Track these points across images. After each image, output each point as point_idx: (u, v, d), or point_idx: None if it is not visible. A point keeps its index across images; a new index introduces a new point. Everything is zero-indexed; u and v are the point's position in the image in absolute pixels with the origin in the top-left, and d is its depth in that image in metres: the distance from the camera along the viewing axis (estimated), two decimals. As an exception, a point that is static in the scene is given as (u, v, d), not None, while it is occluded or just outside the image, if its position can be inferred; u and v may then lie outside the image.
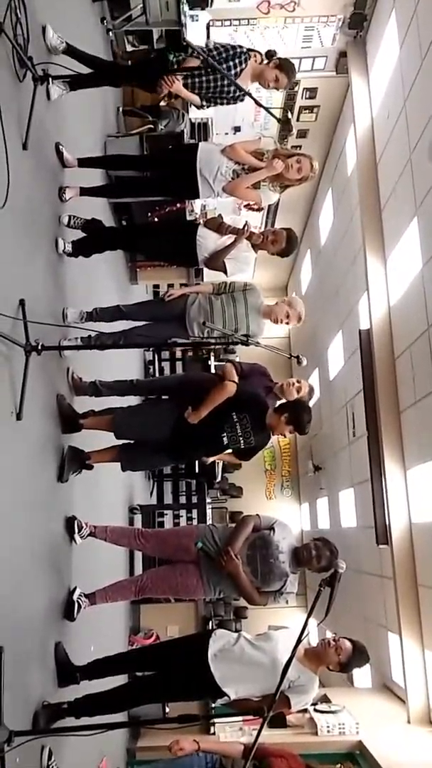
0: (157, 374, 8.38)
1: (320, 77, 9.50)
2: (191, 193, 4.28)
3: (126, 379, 4.27)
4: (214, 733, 5.83)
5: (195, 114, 6.65)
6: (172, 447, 3.80)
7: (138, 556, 6.12)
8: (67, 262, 3.90)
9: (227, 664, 3.22)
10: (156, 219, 6.46)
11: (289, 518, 10.76)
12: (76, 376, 3.89)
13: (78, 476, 3.68)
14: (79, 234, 3.98)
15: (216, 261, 4.15)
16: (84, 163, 4.10)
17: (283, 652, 3.12)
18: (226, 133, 9.80)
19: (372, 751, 5.66)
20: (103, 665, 3.42)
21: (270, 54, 3.94)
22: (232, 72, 3.88)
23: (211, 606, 8.26)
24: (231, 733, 5.84)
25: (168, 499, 9.23)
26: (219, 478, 8.69)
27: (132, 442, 3.88)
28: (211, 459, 4.89)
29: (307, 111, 10.19)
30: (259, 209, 4.36)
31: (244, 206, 4.52)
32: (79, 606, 3.50)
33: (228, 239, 4.15)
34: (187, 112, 6.47)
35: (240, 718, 5.24)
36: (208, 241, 4.15)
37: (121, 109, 6.44)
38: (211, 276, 4.54)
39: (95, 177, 4.50)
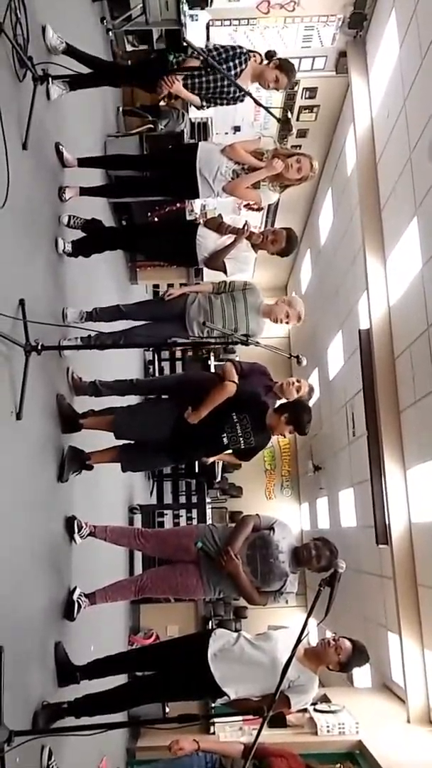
0: (156, 374, 8.38)
1: (320, 77, 9.50)
2: (191, 193, 4.28)
3: (126, 378, 4.27)
4: (214, 733, 5.83)
5: (195, 114, 6.65)
6: (172, 447, 3.80)
7: (138, 556, 6.12)
8: (67, 262, 3.90)
9: (227, 663, 3.22)
10: (156, 219, 6.46)
11: (289, 518, 10.76)
12: (76, 375, 3.89)
13: (78, 476, 3.68)
14: (79, 234, 3.98)
15: (216, 261, 4.15)
16: (84, 162, 4.10)
17: (282, 652, 3.12)
18: (226, 133, 9.80)
19: (372, 751, 5.66)
20: (103, 665, 3.42)
21: (270, 54, 3.94)
22: (232, 72, 3.88)
23: (211, 606, 8.27)
24: (231, 733, 5.84)
25: (168, 499, 9.23)
26: (219, 478, 8.69)
27: (132, 442, 3.88)
28: (211, 459, 4.89)
29: (307, 111, 10.19)
30: (259, 209, 4.37)
31: (244, 206, 4.53)
32: (79, 606, 3.51)
33: (228, 239, 4.15)
34: (187, 112, 6.47)
35: (240, 717, 5.24)
36: (207, 240, 4.15)
37: (120, 108, 6.44)
38: (210, 276, 4.55)
39: (95, 177, 4.51)
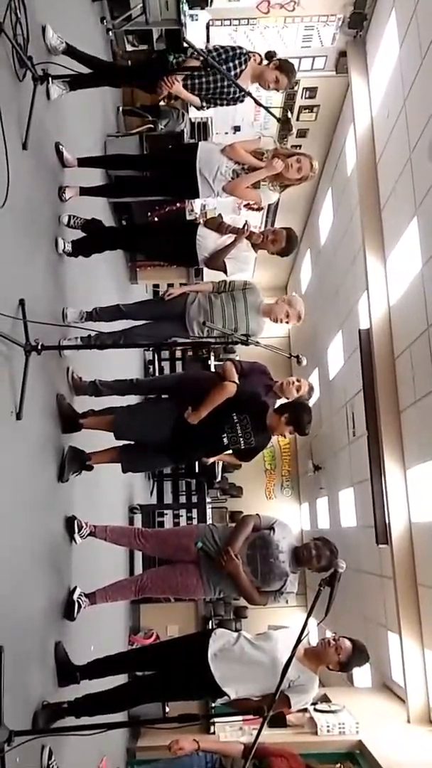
0: (156, 374, 8.38)
1: (320, 77, 9.50)
2: (191, 193, 4.28)
3: (126, 378, 4.27)
4: (214, 733, 5.84)
5: (195, 114, 6.65)
6: (172, 448, 3.80)
7: (138, 555, 6.12)
8: (67, 261, 3.90)
9: (227, 663, 3.22)
10: (156, 219, 6.46)
11: (289, 518, 10.77)
12: (76, 375, 3.89)
13: (78, 476, 3.68)
14: (79, 234, 3.98)
15: (216, 260, 4.15)
16: (84, 162, 4.10)
17: (283, 652, 3.12)
18: (226, 133, 9.80)
19: (372, 751, 5.66)
20: (103, 665, 3.42)
21: (270, 55, 3.94)
22: (232, 73, 3.87)
23: (211, 606, 8.27)
24: (231, 733, 5.84)
25: (168, 498, 9.23)
26: (219, 478, 8.70)
27: (132, 443, 3.88)
28: (211, 459, 4.89)
29: (307, 110, 10.19)
30: (259, 209, 4.37)
31: (244, 206, 4.53)
32: (79, 606, 3.51)
33: (228, 239, 4.15)
34: (187, 112, 6.47)
35: (240, 717, 5.24)
36: (207, 240, 4.15)
37: (120, 108, 6.44)
38: (210, 275, 4.54)
39: (95, 177, 4.50)
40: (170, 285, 6.30)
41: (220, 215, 4.80)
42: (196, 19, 6.60)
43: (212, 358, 8.67)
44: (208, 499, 8.43)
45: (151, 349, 7.96)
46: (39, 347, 2.90)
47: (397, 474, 7.29)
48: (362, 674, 8.72)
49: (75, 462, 3.60)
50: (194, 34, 6.42)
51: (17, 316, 2.82)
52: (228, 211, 6.24)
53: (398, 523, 7.15)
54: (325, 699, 6.61)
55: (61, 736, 3.07)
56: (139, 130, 6.18)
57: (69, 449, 3.59)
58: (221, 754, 3.11)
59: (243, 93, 3.97)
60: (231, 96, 4.02)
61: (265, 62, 3.96)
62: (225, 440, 3.69)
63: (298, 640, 2.49)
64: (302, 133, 10.60)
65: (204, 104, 4.07)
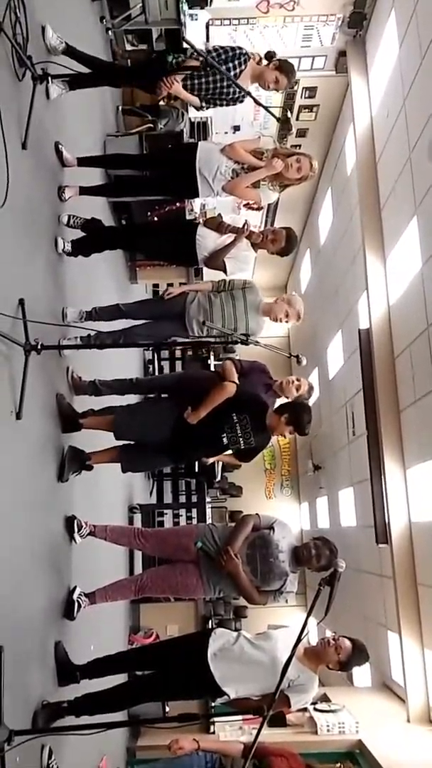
0: (156, 373, 8.38)
1: (320, 76, 9.49)
2: (191, 193, 4.28)
3: (126, 378, 4.27)
4: (213, 732, 5.84)
5: (194, 113, 6.65)
6: (172, 447, 3.80)
7: (138, 555, 6.12)
8: (66, 261, 3.90)
9: (227, 663, 3.22)
10: (155, 218, 6.46)
11: (289, 517, 10.76)
12: (75, 375, 3.89)
13: (78, 476, 3.68)
14: (78, 233, 3.98)
15: (216, 260, 4.15)
16: (83, 162, 4.10)
17: (282, 651, 3.12)
18: (226, 132, 9.79)
19: (372, 750, 5.66)
20: (103, 664, 3.42)
21: (270, 55, 3.94)
22: (232, 73, 3.87)
23: (211, 605, 8.27)
24: (231, 732, 5.84)
25: (168, 498, 9.23)
26: (219, 478, 8.69)
27: (132, 442, 3.88)
28: (211, 460, 4.88)
29: (307, 110, 10.18)
30: (259, 208, 4.36)
31: (244, 205, 4.53)
32: (79, 605, 3.51)
33: (227, 238, 4.16)
34: (187, 111, 6.47)
35: (240, 717, 5.24)
36: (207, 240, 4.16)
37: (120, 108, 6.44)
38: (210, 275, 4.54)
39: (95, 176, 4.50)
40: (170, 284, 6.30)
41: (219, 215, 4.79)
42: (196, 19, 6.61)
43: (212, 357, 8.67)
44: (207, 499, 8.43)
45: (150, 348, 7.96)
46: (39, 347, 2.90)
47: (396, 473, 7.29)
48: (362, 674, 8.73)
49: (75, 462, 3.60)
50: (194, 33, 6.43)
51: (17, 316, 2.82)
52: (228, 210, 6.24)
53: (398, 523, 7.15)
54: (324, 698, 6.61)
55: (61, 735, 3.06)
56: (139, 129, 6.18)
57: (69, 449, 3.59)
58: (221, 753, 3.11)
59: (243, 93, 3.97)
60: (231, 96, 4.02)
61: (264, 62, 3.96)
62: (225, 440, 3.69)
63: (298, 640, 2.49)
64: (302, 133, 10.60)
65: (204, 104, 4.07)
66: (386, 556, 7.40)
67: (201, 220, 5.17)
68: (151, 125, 6.29)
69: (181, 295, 4.11)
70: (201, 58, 3.72)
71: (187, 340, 4.32)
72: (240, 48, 4.00)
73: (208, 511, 8.23)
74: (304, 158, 3.94)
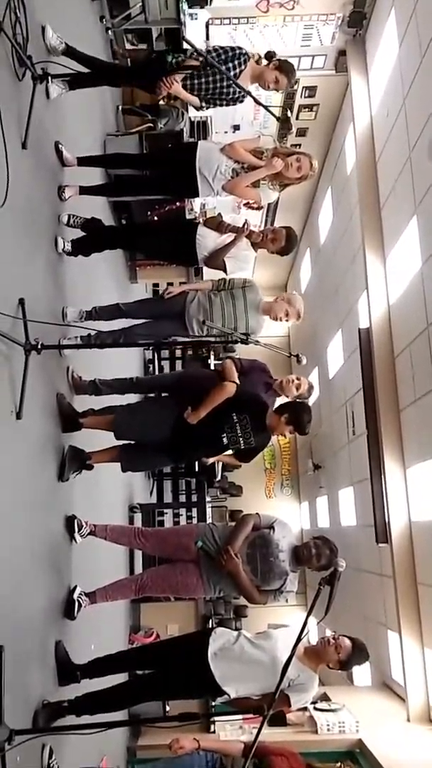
0: (156, 373, 8.38)
1: (319, 76, 9.49)
2: (191, 192, 4.28)
3: (126, 377, 4.27)
4: (214, 732, 5.84)
5: (194, 113, 6.65)
6: (172, 447, 3.79)
7: (138, 555, 6.12)
8: (66, 261, 3.90)
9: (227, 662, 3.22)
10: (155, 218, 6.46)
11: (289, 517, 10.76)
12: (75, 375, 3.89)
13: (78, 476, 3.68)
14: (78, 233, 3.98)
15: (216, 260, 4.15)
16: (83, 161, 4.10)
17: (282, 651, 3.12)
18: (226, 132, 9.79)
19: (372, 750, 5.66)
20: (103, 664, 3.42)
21: (270, 55, 3.93)
22: (232, 73, 3.87)
23: (211, 605, 8.27)
24: (231, 732, 5.84)
25: (168, 497, 9.23)
26: (219, 477, 8.70)
27: (132, 442, 3.88)
28: (211, 460, 4.88)
29: (307, 109, 10.18)
30: (259, 208, 4.36)
31: (244, 205, 4.52)
32: (80, 605, 3.51)
33: (227, 238, 4.15)
34: (187, 111, 6.47)
35: (240, 716, 5.24)
36: (207, 239, 4.15)
37: (120, 107, 6.44)
38: (210, 274, 4.55)
39: (95, 176, 4.50)
40: (170, 284, 6.30)
41: (219, 214, 4.80)
42: (196, 18, 6.61)
43: (212, 357, 8.67)
44: (207, 498, 8.43)
45: (150, 348, 7.96)
46: (39, 346, 2.90)
47: (396, 473, 7.29)
48: (362, 673, 8.73)
49: (75, 461, 3.60)
50: (194, 32, 6.43)
51: (17, 316, 2.82)
52: (228, 210, 6.25)
53: (398, 522, 7.15)
54: (325, 698, 6.61)
55: (62, 735, 3.07)
56: (139, 129, 6.18)
57: (69, 449, 3.59)
58: (221, 753, 3.11)
59: (243, 93, 3.96)
60: (231, 96, 4.01)
61: (264, 62, 3.95)
62: (225, 440, 3.69)
63: (298, 639, 2.49)
64: (302, 132, 10.59)
65: (203, 104, 4.06)
66: (386, 556, 7.40)
67: (201, 220, 5.17)
68: (151, 125, 6.29)
69: (181, 295, 4.11)
70: (201, 58, 3.72)
71: (187, 339, 4.32)
72: (240, 48, 3.99)
73: (209, 510, 8.24)
74: (304, 157, 3.94)
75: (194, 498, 8.98)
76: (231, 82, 3.87)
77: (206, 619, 7.02)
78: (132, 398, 4.48)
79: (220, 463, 7.80)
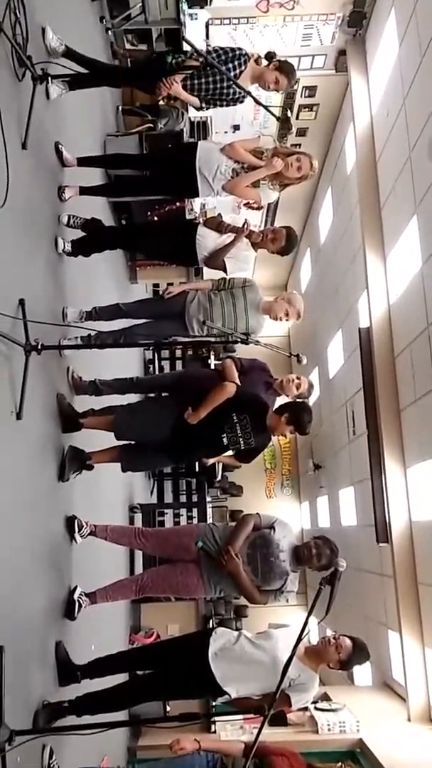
0: (156, 372, 8.38)
1: (319, 75, 9.49)
2: (191, 192, 4.28)
3: (126, 377, 4.27)
4: (214, 732, 5.84)
5: (194, 113, 6.66)
6: (172, 447, 3.79)
7: (138, 555, 6.12)
8: (66, 261, 3.90)
9: (228, 662, 3.22)
10: (155, 218, 6.46)
11: (290, 517, 10.78)
12: (76, 375, 3.89)
13: (78, 476, 3.68)
14: (78, 233, 3.98)
15: (216, 260, 4.15)
16: (83, 162, 4.10)
17: (283, 651, 3.12)
18: (226, 132, 9.79)
19: (372, 749, 5.66)
20: (103, 664, 3.42)
21: (270, 56, 3.93)
22: (232, 74, 3.87)
23: (212, 605, 8.27)
24: (232, 732, 5.84)
25: (168, 498, 9.23)
26: (219, 477, 8.70)
27: (132, 442, 3.88)
28: (211, 461, 4.88)
29: (307, 109, 10.18)
30: (259, 208, 4.36)
31: (244, 205, 4.52)
32: (80, 605, 3.51)
33: (227, 238, 4.15)
34: (187, 111, 6.47)
35: (241, 716, 5.24)
36: (207, 240, 4.15)
37: (120, 108, 6.44)
38: (210, 274, 4.55)
39: (95, 176, 4.50)
40: (170, 284, 6.30)
41: (219, 214, 4.79)
42: (196, 18, 6.61)
43: (212, 356, 8.67)
44: (208, 499, 8.43)
45: (151, 348, 7.96)
46: (39, 347, 2.90)
47: (397, 473, 7.29)
48: (363, 673, 8.73)
49: (75, 461, 3.60)
50: (193, 33, 6.43)
51: (17, 316, 2.82)
52: (228, 210, 6.25)
53: (398, 522, 7.15)
54: (325, 697, 6.61)
55: (62, 735, 3.07)
56: (139, 129, 6.18)
57: (69, 449, 3.59)
58: (222, 753, 3.11)
59: (243, 94, 3.96)
60: (231, 97, 4.01)
61: (264, 63, 3.95)
62: (225, 440, 3.68)
63: (299, 639, 2.49)
64: (302, 132, 10.59)
65: (203, 105, 4.06)
66: (387, 555, 7.40)
67: (201, 220, 5.17)
68: (151, 125, 6.29)
69: (181, 295, 4.11)
70: (201, 59, 3.72)
71: (187, 339, 4.32)
72: (240, 48, 3.99)
73: (209, 510, 8.24)
74: (304, 157, 3.94)
75: (194, 498, 8.98)
76: (231, 82, 3.87)
77: (207, 620, 7.03)
78: (132, 398, 4.48)
79: (221, 464, 7.81)
